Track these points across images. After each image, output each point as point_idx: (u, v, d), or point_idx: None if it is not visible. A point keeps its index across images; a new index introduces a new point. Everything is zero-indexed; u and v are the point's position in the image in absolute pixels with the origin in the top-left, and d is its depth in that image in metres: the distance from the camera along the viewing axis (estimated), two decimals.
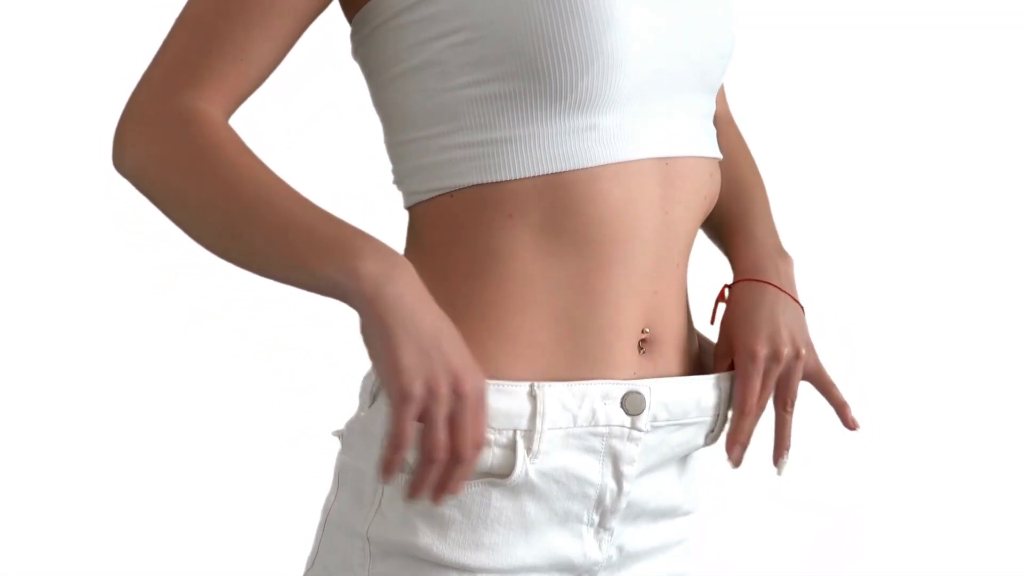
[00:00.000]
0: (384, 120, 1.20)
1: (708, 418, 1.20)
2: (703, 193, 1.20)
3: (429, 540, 1.11)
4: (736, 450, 1.20)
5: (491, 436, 1.10)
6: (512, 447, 1.10)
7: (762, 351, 1.20)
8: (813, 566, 2.66)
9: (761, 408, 1.21)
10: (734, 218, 1.31)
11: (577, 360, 1.13)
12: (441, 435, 0.99)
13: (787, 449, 1.24)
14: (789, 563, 2.65)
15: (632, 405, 1.13)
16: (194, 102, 1.08)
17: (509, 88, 1.09)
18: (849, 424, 1.26)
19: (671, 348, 1.18)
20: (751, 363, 1.20)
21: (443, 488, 1.01)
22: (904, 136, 2.78)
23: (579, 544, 1.16)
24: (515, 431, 1.10)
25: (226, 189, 1.05)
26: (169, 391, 2.62)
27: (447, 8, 1.10)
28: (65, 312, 2.61)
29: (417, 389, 0.98)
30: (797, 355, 1.21)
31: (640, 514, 1.20)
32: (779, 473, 1.25)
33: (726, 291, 1.25)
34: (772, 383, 1.21)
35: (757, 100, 2.73)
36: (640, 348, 1.16)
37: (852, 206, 2.78)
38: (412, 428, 0.98)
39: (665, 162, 1.15)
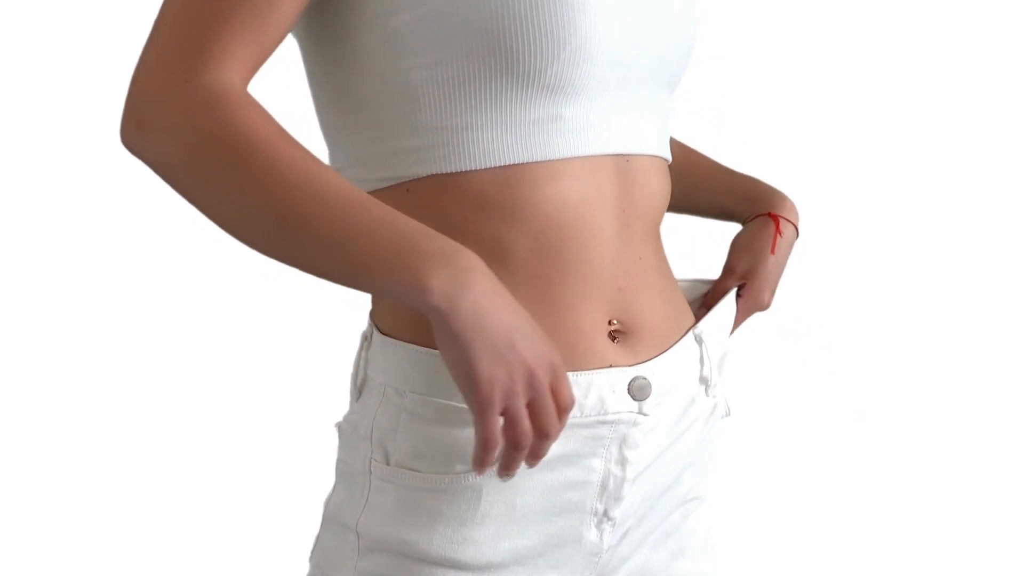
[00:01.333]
0: (325, 102, 1.14)
1: (695, 373, 1.20)
2: (665, 190, 1.19)
3: (416, 535, 1.10)
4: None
5: None
6: None
7: (769, 304, 1.34)
8: (814, 566, 2.66)
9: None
10: (721, 172, 1.40)
11: None
12: (524, 425, 1.00)
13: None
14: (789, 562, 2.65)
15: (639, 391, 1.13)
16: (220, 79, 0.98)
17: (471, 70, 1.05)
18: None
19: (650, 335, 1.16)
20: (758, 311, 1.34)
21: (534, 456, 1.03)
22: (887, 136, 2.78)
23: (577, 531, 1.14)
24: None
25: (274, 186, 0.97)
26: (171, 391, 2.63)
27: None
28: (65, 312, 2.62)
29: (496, 395, 0.98)
30: None
31: (649, 497, 1.18)
32: None
33: (780, 223, 1.33)
34: None
35: (741, 99, 2.74)
36: (614, 339, 1.14)
37: (847, 206, 2.78)
38: (498, 426, 1.00)
39: (625, 159, 1.13)
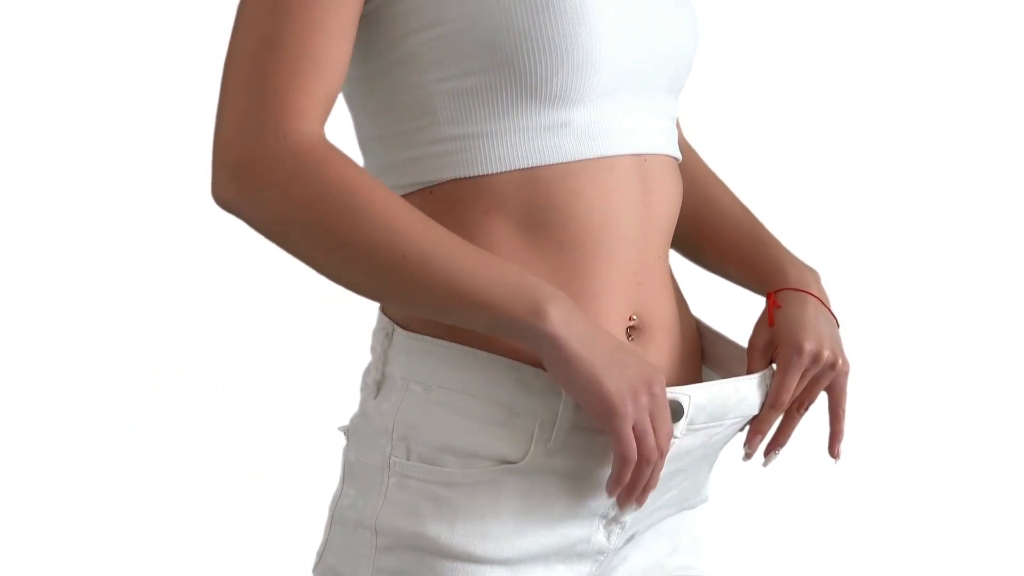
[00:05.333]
0: (358, 114, 1.20)
1: (751, 414, 1.20)
2: (680, 190, 1.22)
3: (437, 530, 1.12)
4: (755, 440, 1.22)
5: (509, 419, 1.11)
6: (529, 434, 1.11)
7: (808, 347, 1.21)
8: (812, 565, 2.66)
9: (790, 404, 1.23)
10: (748, 240, 1.33)
11: None
12: (651, 439, 1.08)
13: (782, 446, 1.26)
14: (787, 561, 2.65)
15: (671, 413, 1.13)
16: (311, 132, 1.06)
17: (483, 82, 1.11)
18: (832, 452, 1.28)
19: (661, 334, 1.19)
20: (796, 357, 1.21)
21: (647, 489, 1.11)
22: (886, 138, 2.78)
23: (587, 532, 1.16)
24: (536, 420, 1.11)
25: (396, 227, 1.04)
26: (173, 392, 2.63)
27: (422, 2, 1.11)
28: (66, 313, 2.62)
29: (629, 407, 1.06)
30: (834, 364, 1.23)
31: (658, 506, 1.20)
32: (765, 464, 1.27)
33: (775, 296, 1.26)
34: (807, 382, 1.23)
35: (745, 101, 2.73)
36: (629, 336, 1.16)
37: (844, 207, 2.78)
38: (633, 440, 1.07)
39: (643, 159, 1.17)
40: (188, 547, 2.58)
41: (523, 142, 1.12)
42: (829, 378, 1.23)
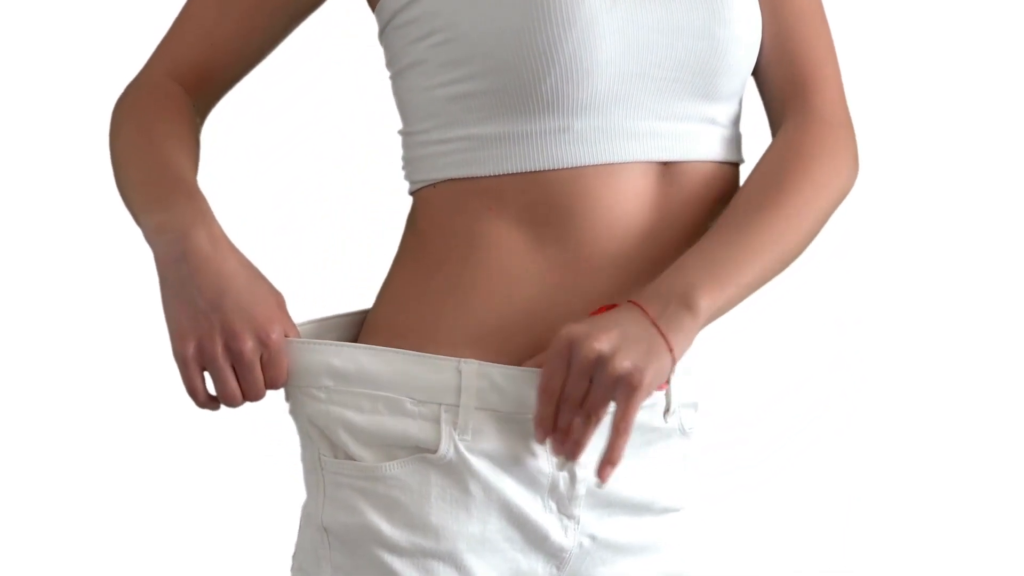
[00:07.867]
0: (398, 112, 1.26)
1: (654, 399, 1.16)
2: (712, 197, 1.19)
3: (378, 524, 1.12)
4: (538, 434, 1.09)
5: (414, 408, 1.12)
6: (436, 420, 1.11)
7: (565, 333, 1.06)
8: (808, 565, 2.66)
9: (567, 401, 1.07)
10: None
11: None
12: (228, 388, 1.11)
13: (573, 456, 1.09)
14: (785, 561, 2.65)
15: None
16: (166, 79, 1.24)
17: (480, 87, 1.13)
18: (599, 473, 1.08)
19: None
20: (554, 343, 1.07)
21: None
22: (880, 140, 2.78)
23: (541, 520, 1.15)
24: (439, 405, 1.11)
25: (135, 147, 1.19)
26: (164, 393, 2.61)
27: (428, 10, 1.15)
28: (66, 313, 2.62)
29: (189, 351, 1.10)
30: (610, 360, 1.04)
31: (611, 503, 1.18)
32: (598, 485, 1.11)
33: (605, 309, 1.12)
34: (579, 378, 1.05)
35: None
36: None
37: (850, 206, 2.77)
38: (197, 380, 1.11)
39: (664, 165, 1.16)
40: (184, 547, 2.58)
41: (521, 146, 1.13)
42: (604, 381, 1.05)
